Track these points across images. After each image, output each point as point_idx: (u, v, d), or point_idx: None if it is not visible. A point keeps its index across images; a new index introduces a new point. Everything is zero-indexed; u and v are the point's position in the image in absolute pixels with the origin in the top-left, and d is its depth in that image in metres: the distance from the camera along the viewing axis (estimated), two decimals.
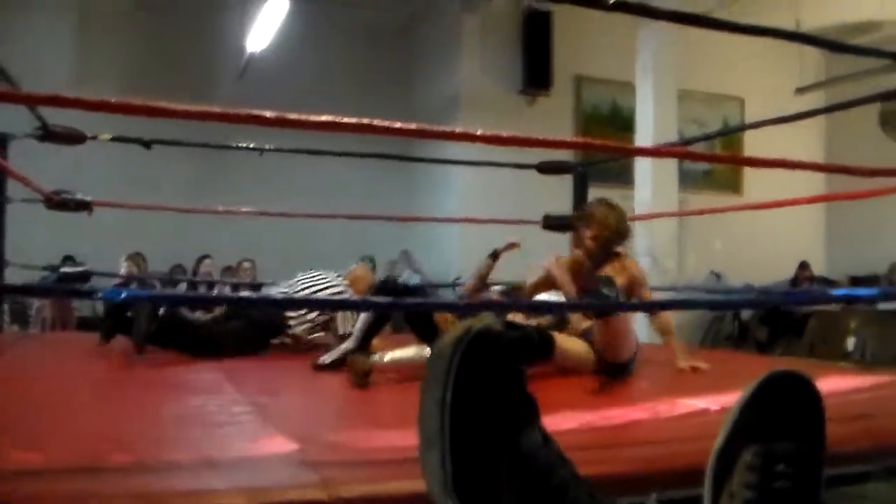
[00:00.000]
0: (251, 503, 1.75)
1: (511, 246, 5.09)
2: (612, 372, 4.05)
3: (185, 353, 4.72)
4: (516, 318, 4.77)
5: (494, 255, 5.05)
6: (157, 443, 2.39)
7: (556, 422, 2.77)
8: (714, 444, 1.32)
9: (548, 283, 4.58)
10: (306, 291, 5.37)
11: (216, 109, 2.22)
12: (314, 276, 5.48)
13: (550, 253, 4.72)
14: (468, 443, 1.21)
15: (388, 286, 4.69)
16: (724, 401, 3.05)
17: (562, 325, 4.57)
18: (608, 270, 4.42)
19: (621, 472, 2.14)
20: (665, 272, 8.29)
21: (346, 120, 2.27)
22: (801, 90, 11.60)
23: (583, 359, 4.14)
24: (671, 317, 4.78)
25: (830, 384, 4.03)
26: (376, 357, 3.74)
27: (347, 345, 4.33)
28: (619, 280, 4.31)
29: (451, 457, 1.20)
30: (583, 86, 12.21)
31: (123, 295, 2.69)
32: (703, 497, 1.33)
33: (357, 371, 3.66)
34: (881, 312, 9.72)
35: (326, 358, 4.29)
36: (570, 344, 4.15)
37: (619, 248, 4.60)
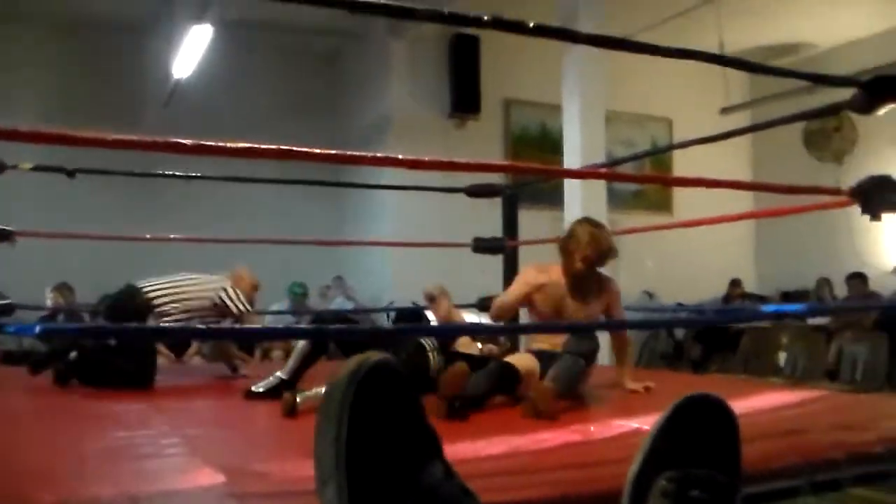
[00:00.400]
0: None
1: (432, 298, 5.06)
2: None
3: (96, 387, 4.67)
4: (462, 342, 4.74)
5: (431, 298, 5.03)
6: (81, 478, 2.33)
7: (486, 447, 2.76)
8: (629, 470, 1.31)
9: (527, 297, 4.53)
10: (170, 291, 5.28)
11: (133, 137, 2.18)
12: (182, 280, 5.41)
13: (530, 266, 4.72)
14: (366, 479, 1.18)
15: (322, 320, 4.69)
16: (655, 421, 3.06)
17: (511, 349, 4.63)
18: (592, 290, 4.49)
19: (547, 496, 2.13)
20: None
21: (265, 146, 2.25)
22: (726, 110, 11.77)
23: (536, 373, 4.16)
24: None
25: (762, 400, 4.08)
26: (311, 393, 3.69)
27: (280, 374, 4.28)
28: (601, 301, 4.48)
29: (349, 493, 1.17)
30: (511, 109, 12.28)
31: (38, 329, 2.61)
32: None
33: (286, 405, 3.61)
34: (810, 327, 9.87)
35: (259, 387, 4.24)
36: (525, 362, 4.16)
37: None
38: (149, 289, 5.20)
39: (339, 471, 1.18)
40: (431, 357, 4.40)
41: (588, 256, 4.38)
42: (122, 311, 5.06)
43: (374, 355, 1.24)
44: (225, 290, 5.42)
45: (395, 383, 1.24)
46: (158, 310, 5.13)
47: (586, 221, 4.52)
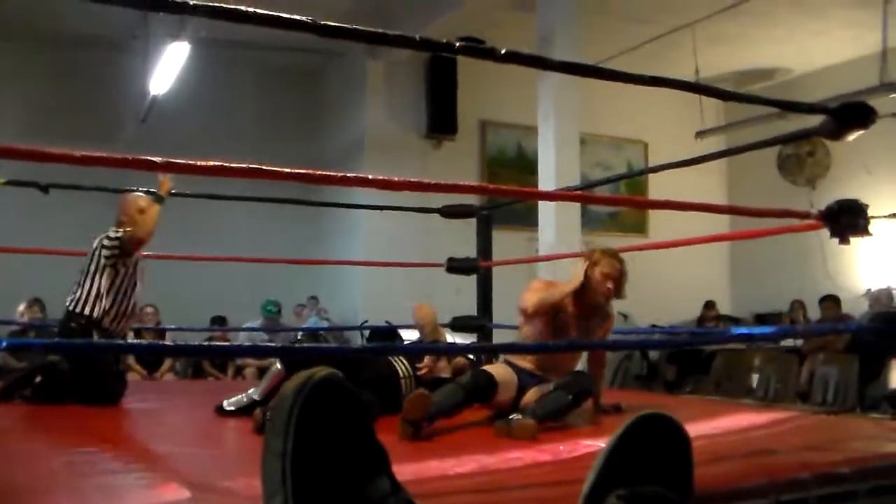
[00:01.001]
0: None
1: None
2: None
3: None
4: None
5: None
6: (47, 492, 2.33)
7: (455, 465, 2.77)
8: (582, 488, 1.32)
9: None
10: None
11: (102, 154, 2.18)
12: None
13: (541, 280, 4.71)
14: (311, 493, 1.18)
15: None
16: None
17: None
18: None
19: None
20: None
21: (235, 165, 2.25)
22: (701, 134, 11.84)
23: (512, 384, 4.18)
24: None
25: (732, 421, 4.11)
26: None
27: (252, 394, 4.27)
28: (602, 329, 4.58)
29: None
30: (488, 130, 12.32)
31: (3, 344, 2.61)
32: None
33: (257, 422, 3.61)
34: (783, 349, 9.92)
35: (230, 405, 4.24)
36: (500, 371, 4.20)
37: None
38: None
39: (285, 485, 1.18)
40: (404, 384, 4.43)
41: (611, 291, 4.41)
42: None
43: (322, 370, 1.25)
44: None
45: (342, 398, 1.24)
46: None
47: (612, 255, 4.51)
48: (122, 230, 5.04)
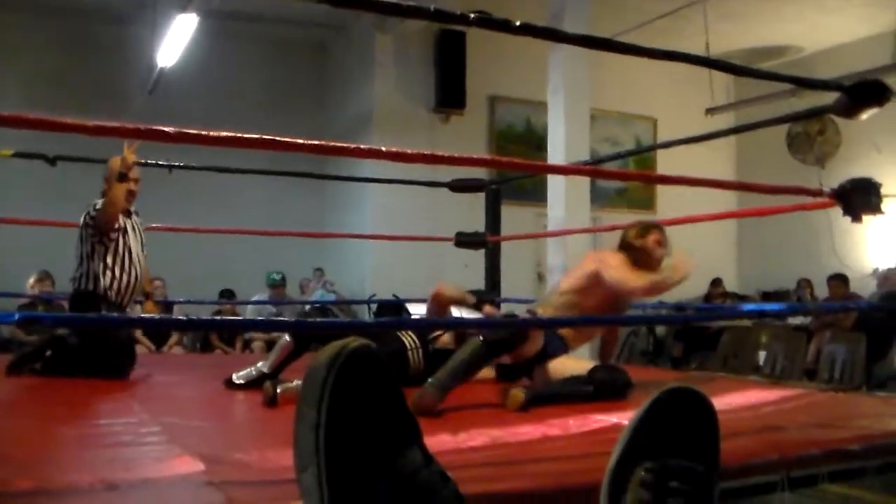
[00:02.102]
0: None
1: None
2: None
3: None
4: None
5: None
6: (59, 466, 2.33)
7: (467, 439, 2.77)
8: (609, 461, 1.32)
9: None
10: None
11: (114, 125, 2.17)
12: None
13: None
14: (345, 465, 1.18)
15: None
16: None
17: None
18: None
19: (530, 487, 2.14)
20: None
21: (247, 136, 2.24)
22: (710, 111, 11.79)
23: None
24: None
25: (741, 397, 4.11)
26: (292, 384, 3.68)
27: (261, 367, 4.28)
28: None
29: (328, 478, 1.17)
30: (497, 105, 12.28)
31: (16, 317, 2.60)
32: None
33: (267, 395, 3.62)
34: (790, 327, 9.91)
35: (240, 378, 4.24)
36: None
37: None
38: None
39: (318, 456, 1.17)
40: (412, 356, 4.44)
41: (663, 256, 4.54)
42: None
43: (355, 341, 1.24)
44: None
45: (375, 369, 1.24)
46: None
47: (655, 226, 4.67)
48: (101, 201, 5.03)
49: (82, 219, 5.05)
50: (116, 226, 5.00)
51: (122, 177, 4.87)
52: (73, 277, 5.09)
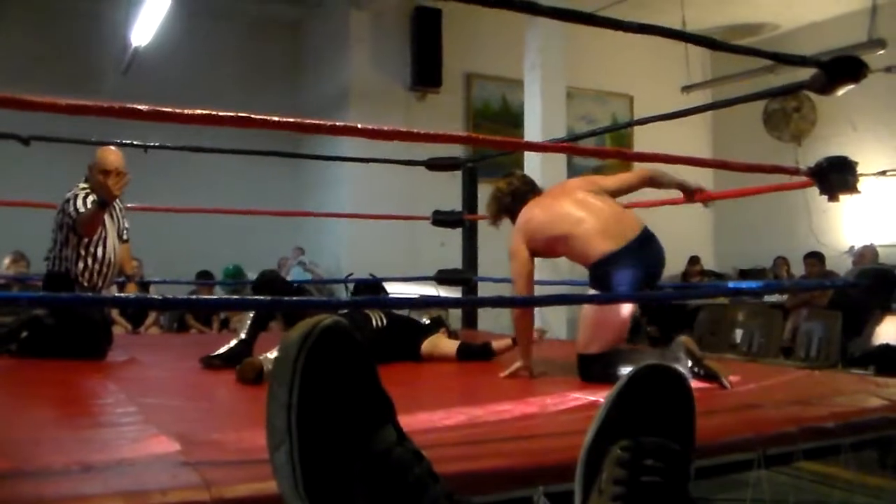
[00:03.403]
0: None
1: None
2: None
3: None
4: None
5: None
6: (34, 447, 2.31)
7: (444, 417, 2.77)
8: (584, 438, 1.32)
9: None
10: None
11: (87, 103, 2.15)
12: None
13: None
14: (318, 443, 1.17)
15: (266, 281, 4.71)
16: None
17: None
18: None
19: (508, 465, 2.14)
20: (556, 267, 8.36)
21: (222, 113, 2.22)
22: (687, 88, 11.80)
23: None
24: None
25: None
26: (268, 356, 3.69)
27: (235, 341, 4.29)
28: None
29: (300, 457, 1.17)
30: (473, 83, 12.25)
31: None
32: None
33: (252, 371, 3.62)
34: (766, 305, 9.97)
35: (219, 352, 4.24)
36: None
37: None
38: None
39: (290, 435, 1.17)
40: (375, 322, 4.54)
41: None
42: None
43: (327, 318, 1.23)
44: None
45: (348, 346, 1.23)
46: None
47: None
48: (84, 193, 4.99)
49: (62, 205, 4.99)
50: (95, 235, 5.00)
51: (103, 204, 4.83)
52: (46, 257, 5.07)
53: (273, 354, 3.69)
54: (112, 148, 5.13)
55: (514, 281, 4.18)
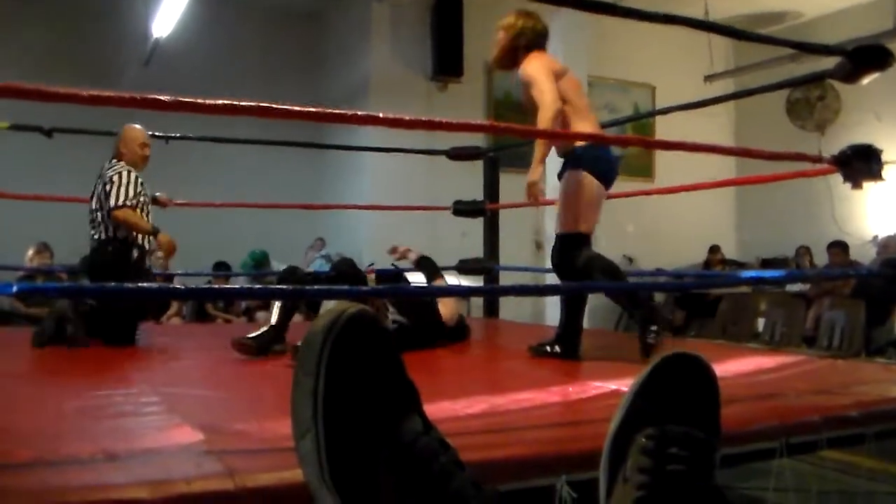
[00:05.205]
0: (154, 496, 1.70)
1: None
2: None
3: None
4: None
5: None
6: (58, 437, 2.32)
7: (465, 405, 2.77)
8: (609, 427, 1.31)
9: None
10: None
11: (110, 94, 2.15)
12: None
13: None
14: (343, 431, 1.17)
15: (342, 272, 4.77)
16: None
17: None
18: None
19: (530, 454, 2.14)
20: None
21: (244, 103, 2.23)
22: (709, 78, 11.74)
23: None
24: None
25: (740, 364, 4.11)
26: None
27: (265, 327, 4.31)
28: None
29: (326, 445, 1.17)
30: (494, 72, 12.22)
31: (15, 289, 2.59)
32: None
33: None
34: (789, 294, 9.93)
35: (251, 336, 4.25)
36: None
37: None
38: None
39: (316, 423, 1.17)
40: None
41: None
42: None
43: (352, 306, 1.23)
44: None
45: (373, 335, 1.23)
46: None
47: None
48: (128, 171, 5.08)
49: (107, 178, 5.12)
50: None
51: (156, 231, 5.12)
52: (95, 233, 5.17)
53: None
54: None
55: (544, 109, 4.29)
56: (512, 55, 4.64)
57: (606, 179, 4.42)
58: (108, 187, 5.04)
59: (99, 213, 5.12)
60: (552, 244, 4.48)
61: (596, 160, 4.37)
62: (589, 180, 4.32)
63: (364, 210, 10.25)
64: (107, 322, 4.78)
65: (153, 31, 9.73)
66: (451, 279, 5.06)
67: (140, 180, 5.18)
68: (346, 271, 4.83)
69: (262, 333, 4.26)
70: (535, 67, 4.42)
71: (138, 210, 5.10)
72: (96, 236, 5.13)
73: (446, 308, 4.81)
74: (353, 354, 1.19)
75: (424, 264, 5.63)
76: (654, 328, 4.07)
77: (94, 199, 5.17)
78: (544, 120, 4.23)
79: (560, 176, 4.46)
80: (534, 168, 4.34)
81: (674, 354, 1.31)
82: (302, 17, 12.73)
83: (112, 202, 5.00)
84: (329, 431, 1.17)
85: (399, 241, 5.65)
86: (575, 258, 4.25)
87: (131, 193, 5.04)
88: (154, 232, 5.08)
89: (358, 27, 11.79)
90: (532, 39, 4.60)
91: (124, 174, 5.09)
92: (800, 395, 3.13)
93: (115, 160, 5.24)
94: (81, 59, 10.68)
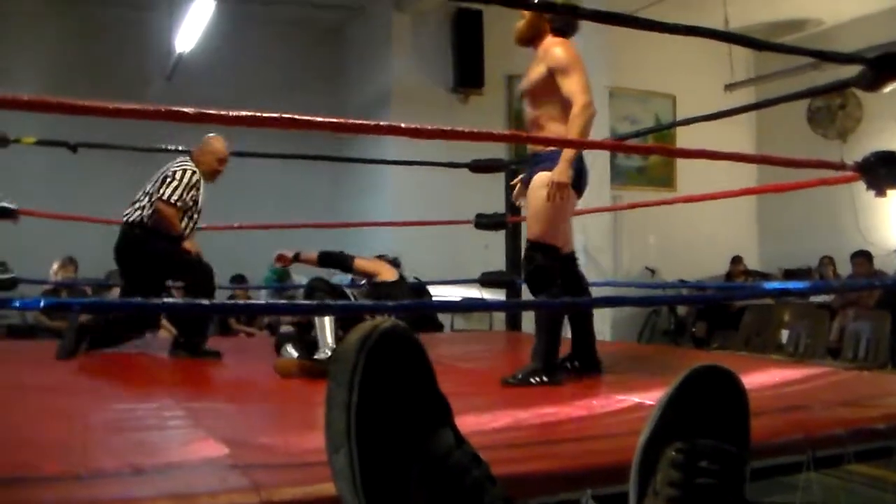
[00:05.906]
0: None
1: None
2: None
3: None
4: None
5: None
6: (84, 450, 2.33)
7: (491, 420, 2.77)
8: (638, 440, 1.31)
9: None
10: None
11: (134, 106, 2.17)
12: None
13: None
14: (377, 446, 1.17)
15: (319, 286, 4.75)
16: (658, 396, 3.07)
17: None
18: None
19: (555, 468, 2.14)
20: (600, 268, 8.33)
21: (266, 115, 2.23)
22: (730, 87, 11.71)
23: None
24: None
25: (765, 376, 4.09)
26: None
27: (328, 348, 4.21)
28: None
29: (360, 459, 1.16)
30: (515, 84, 12.18)
31: (42, 303, 2.61)
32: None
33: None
34: (813, 305, 9.86)
35: (317, 359, 4.12)
36: None
37: None
38: None
39: (350, 437, 1.17)
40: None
41: None
42: None
43: (386, 320, 1.23)
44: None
45: (407, 349, 1.23)
46: None
47: None
48: (192, 171, 5.28)
49: (171, 169, 5.27)
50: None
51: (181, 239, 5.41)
52: (132, 212, 5.29)
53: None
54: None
55: (582, 110, 4.27)
56: (536, 29, 4.45)
57: (578, 188, 4.34)
58: (167, 179, 5.18)
59: (145, 197, 5.24)
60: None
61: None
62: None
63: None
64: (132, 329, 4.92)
65: (176, 46, 9.78)
66: (474, 292, 5.03)
67: (199, 188, 5.33)
68: (320, 287, 4.82)
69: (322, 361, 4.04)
70: (574, 57, 4.27)
71: (180, 213, 5.22)
72: (128, 219, 5.26)
73: (370, 264, 4.81)
74: (386, 368, 1.19)
75: (329, 259, 5.59)
76: (535, 367, 3.84)
77: (150, 183, 5.29)
78: (580, 121, 4.17)
79: (529, 178, 4.32)
80: (564, 168, 4.11)
81: (703, 367, 1.31)
82: (323, 31, 12.77)
83: (163, 194, 5.12)
84: (362, 445, 1.16)
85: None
86: (540, 266, 4.08)
87: (185, 196, 5.18)
88: (180, 238, 5.19)
89: (379, 40, 11.82)
90: (564, 21, 4.41)
91: (188, 174, 5.23)
92: (826, 408, 3.11)
93: (188, 159, 5.37)
94: (105, 73, 10.73)
